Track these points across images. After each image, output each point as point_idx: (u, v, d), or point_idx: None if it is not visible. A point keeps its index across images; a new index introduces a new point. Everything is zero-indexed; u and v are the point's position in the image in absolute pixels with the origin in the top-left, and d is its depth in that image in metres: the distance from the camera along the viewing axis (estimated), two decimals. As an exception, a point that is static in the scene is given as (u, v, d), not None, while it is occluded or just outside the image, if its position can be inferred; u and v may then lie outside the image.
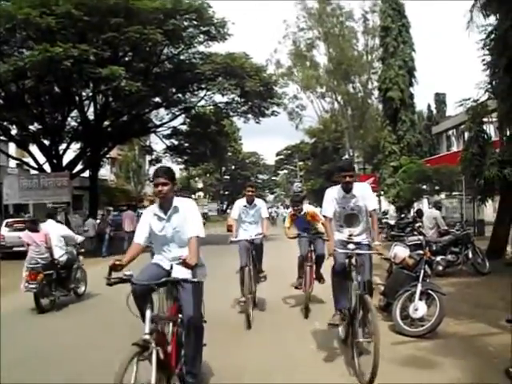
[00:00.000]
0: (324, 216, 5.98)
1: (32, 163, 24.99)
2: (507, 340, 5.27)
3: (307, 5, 39.48)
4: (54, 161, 24.45)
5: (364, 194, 5.74)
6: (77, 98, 24.13)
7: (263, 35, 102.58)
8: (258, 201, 8.34)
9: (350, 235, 5.72)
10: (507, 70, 11.33)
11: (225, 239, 8.32)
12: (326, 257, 7.31)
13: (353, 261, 5.53)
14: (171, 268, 4.40)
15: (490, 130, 17.08)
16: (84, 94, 24.47)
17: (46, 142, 25.00)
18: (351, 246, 5.52)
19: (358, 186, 5.78)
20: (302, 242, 8.26)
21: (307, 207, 8.58)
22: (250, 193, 8.20)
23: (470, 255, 11.58)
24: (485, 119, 14.50)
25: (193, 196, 69.72)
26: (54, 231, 9.24)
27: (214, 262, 7.59)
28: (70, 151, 26.33)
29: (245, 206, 8.20)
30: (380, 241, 5.77)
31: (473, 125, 14.01)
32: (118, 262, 3.95)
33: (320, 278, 8.43)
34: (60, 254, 9.15)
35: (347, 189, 5.69)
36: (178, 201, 4.48)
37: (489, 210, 20.70)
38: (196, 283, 4.23)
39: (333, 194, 5.84)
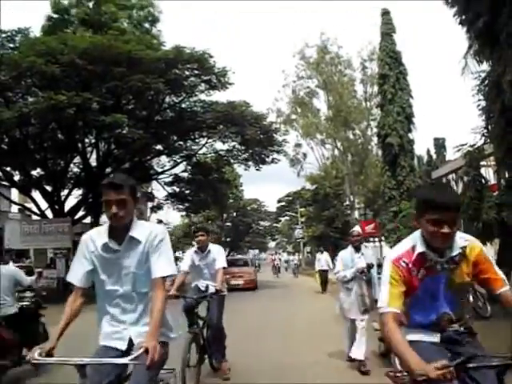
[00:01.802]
0: None
1: (34, 209, 25.05)
2: None
3: (305, 54, 40.54)
4: (56, 206, 24.48)
5: None
6: (80, 145, 24.36)
7: (264, 84, 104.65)
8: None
9: None
10: (501, 114, 11.53)
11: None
12: None
13: None
14: None
15: (489, 173, 17.21)
16: (87, 140, 24.77)
17: (49, 188, 25.09)
18: None
19: None
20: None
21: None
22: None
23: (471, 299, 11.44)
24: (483, 163, 14.64)
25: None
26: None
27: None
28: (72, 197, 26.39)
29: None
30: None
31: (470, 169, 14.14)
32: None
33: None
34: None
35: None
36: None
37: (489, 253, 20.51)
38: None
39: None
